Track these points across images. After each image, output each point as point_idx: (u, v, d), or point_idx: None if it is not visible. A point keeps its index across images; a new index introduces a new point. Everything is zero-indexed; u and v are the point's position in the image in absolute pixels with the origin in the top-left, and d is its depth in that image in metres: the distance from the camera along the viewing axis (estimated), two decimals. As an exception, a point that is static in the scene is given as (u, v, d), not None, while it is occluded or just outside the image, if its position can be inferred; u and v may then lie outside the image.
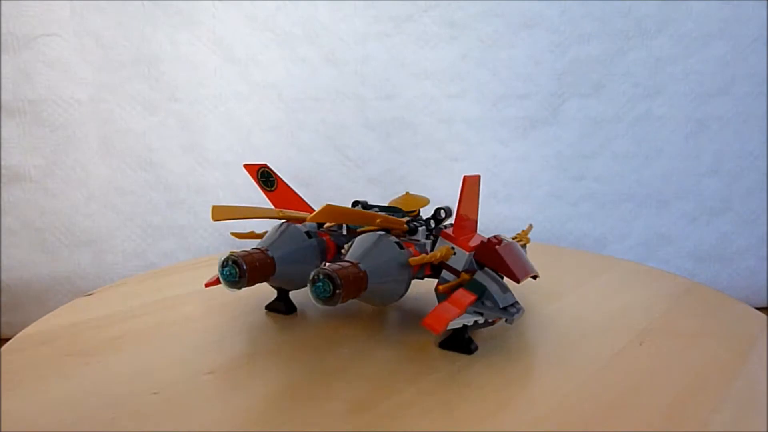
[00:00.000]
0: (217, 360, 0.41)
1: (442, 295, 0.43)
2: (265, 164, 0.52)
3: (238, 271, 0.42)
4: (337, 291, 0.37)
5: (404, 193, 0.52)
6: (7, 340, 0.47)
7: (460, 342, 0.42)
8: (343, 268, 0.38)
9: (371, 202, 0.52)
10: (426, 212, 0.51)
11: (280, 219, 0.50)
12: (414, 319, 0.51)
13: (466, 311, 0.40)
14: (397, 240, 0.43)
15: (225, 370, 0.40)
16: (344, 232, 0.49)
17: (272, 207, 0.54)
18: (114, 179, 0.91)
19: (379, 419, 0.34)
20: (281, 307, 0.50)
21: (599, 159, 0.96)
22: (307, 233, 0.47)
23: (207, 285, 0.48)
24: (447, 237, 0.44)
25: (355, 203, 0.51)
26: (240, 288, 0.42)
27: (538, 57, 0.93)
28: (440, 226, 0.47)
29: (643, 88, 0.94)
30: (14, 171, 0.88)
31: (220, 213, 0.47)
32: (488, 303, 0.41)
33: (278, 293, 0.51)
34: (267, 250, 0.45)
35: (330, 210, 0.40)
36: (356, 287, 0.38)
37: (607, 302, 0.56)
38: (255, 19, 0.90)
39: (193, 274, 0.64)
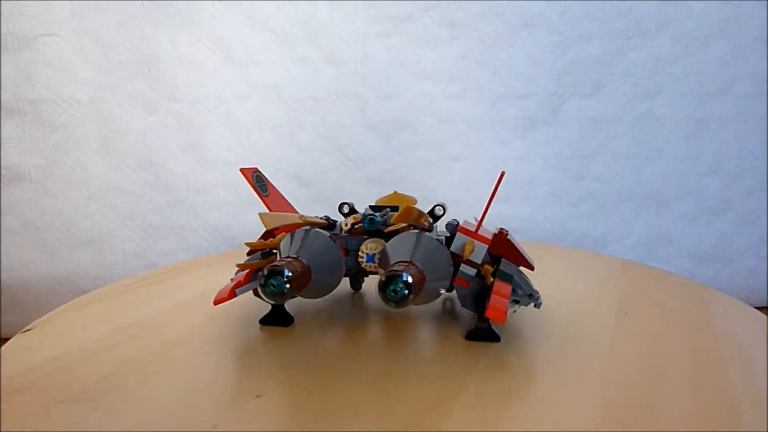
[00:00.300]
0: (253, 380, 0.38)
1: (461, 289, 0.45)
2: (256, 168, 0.51)
3: (283, 281, 0.39)
4: (411, 292, 0.37)
5: (392, 192, 0.52)
6: (7, 339, 0.47)
7: (486, 332, 0.44)
8: (407, 267, 0.38)
9: (371, 203, 0.52)
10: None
11: (308, 224, 0.48)
12: (414, 316, 0.51)
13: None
14: (437, 237, 0.44)
15: (272, 389, 0.37)
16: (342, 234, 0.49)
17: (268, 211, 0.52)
18: (114, 179, 0.91)
19: (469, 413, 0.34)
20: (280, 319, 0.48)
21: (599, 159, 0.96)
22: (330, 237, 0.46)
23: (216, 302, 0.44)
24: (465, 232, 0.45)
25: (342, 205, 0.51)
26: (285, 300, 0.40)
27: (538, 57, 0.93)
28: (453, 222, 0.48)
29: (643, 88, 0.94)
30: (14, 171, 0.88)
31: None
32: (519, 291, 0.45)
33: (273, 304, 0.48)
34: (299, 257, 0.43)
35: (409, 210, 0.42)
36: (421, 287, 0.39)
37: (566, 286, 0.60)
38: (255, 19, 0.90)
39: (146, 291, 0.60)
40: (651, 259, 0.97)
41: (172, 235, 0.93)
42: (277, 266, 0.39)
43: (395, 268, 0.38)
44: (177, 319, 0.51)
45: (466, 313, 0.52)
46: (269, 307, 0.49)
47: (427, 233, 0.44)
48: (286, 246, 0.44)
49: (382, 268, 0.44)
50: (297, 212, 0.53)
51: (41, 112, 0.87)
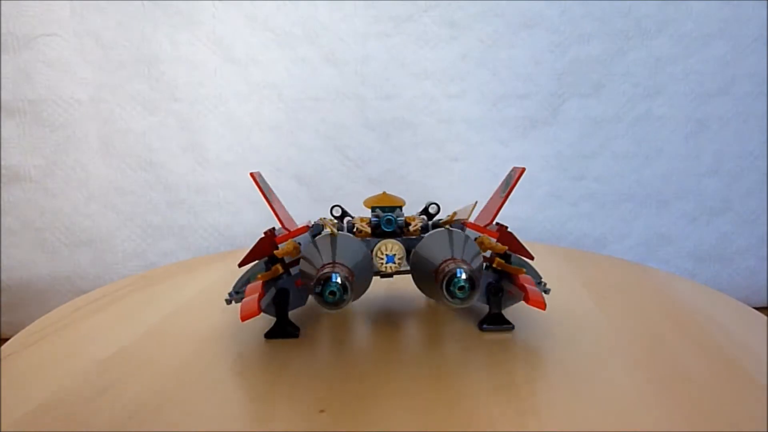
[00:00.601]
0: (305, 396, 0.37)
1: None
2: (259, 172, 0.50)
3: (342, 288, 0.38)
4: (475, 287, 0.39)
5: (381, 192, 0.52)
6: (7, 339, 0.47)
7: (500, 320, 0.47)
8: (461, 263, 0.40)
9: (372, 203, 0.51)
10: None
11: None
12: (407, 313, 0.51)
13: None
14: (467, 233, 0.45)
15: (332, 402, 0.36)
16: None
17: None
18: (114, 179, 0.91)
19: (537, 398, 0.36)
20: (287, 331, 0.46)
21: (599, 159, 0.96)
22: None
23: (244, 318, 0.41)
24: (475, 227, 0.47)
25: (334, 207, 0.51)
26: (342, 308, 0.39)
27: (538, 57, 0.93)
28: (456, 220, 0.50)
29: (643, 88, 0.94)
30: (14, 171, 0.88)
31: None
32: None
33: (279, 316, 0.46)
34: (339, 262, 0.41)
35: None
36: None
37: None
38: (255, 19, 0.90)
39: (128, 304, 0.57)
40: (651, 259, 0.97)
41: (172, 235, 0.93)
42: (328, 273, 0.39)
43: (450, 266, 0.39)
44: (183, 331, 0.49)
45: (449, 308, 0.53)
46: (259, 316, 0.46)
47: (458, 230, 0.44)
48: (313, 253, 0.42)
49: (417, 268, 0.43)
50: (291, 217, 0.53)
51: (41, 112, 0.87)
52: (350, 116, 0.93)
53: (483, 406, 0.35)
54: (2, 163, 0.87)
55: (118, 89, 0.89)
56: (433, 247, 0.43)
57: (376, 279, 0.46)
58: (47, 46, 0.86)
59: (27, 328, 0.49)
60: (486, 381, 0.38)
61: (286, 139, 0.93)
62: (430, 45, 0.93)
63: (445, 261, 0.41)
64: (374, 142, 0.94)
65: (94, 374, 0.41)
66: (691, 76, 0.94)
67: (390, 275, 0.46)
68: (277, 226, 0.49)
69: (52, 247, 0.90)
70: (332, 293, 0.38)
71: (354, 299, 0.44)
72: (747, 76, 0.94)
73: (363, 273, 0.43)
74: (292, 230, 0.47)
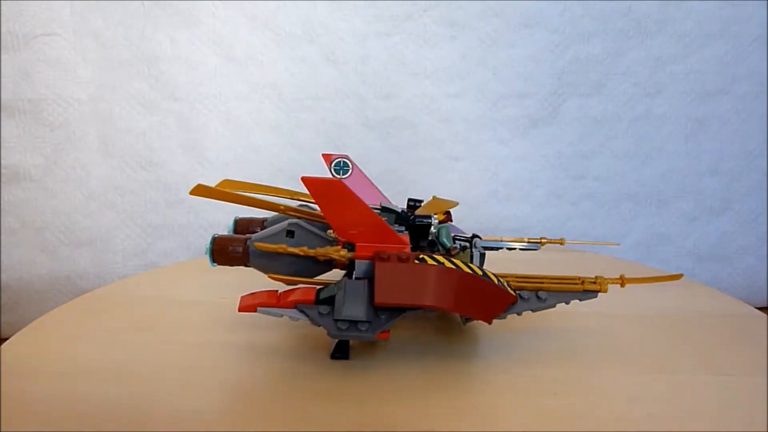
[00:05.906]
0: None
1: None
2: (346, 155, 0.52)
3: None
4: None
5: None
6: (7, 339, 0.47)
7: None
8: None
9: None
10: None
11: None
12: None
13: None
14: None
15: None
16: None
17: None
18: (114, 179, 0.91)
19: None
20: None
21: (599, 158, 0.96)
22: None
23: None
24: None
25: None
26: None
27: (538, 56, 0.93)
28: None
29: (643, 87, 0.94)
30: (14, 171, 0.88)
31: None
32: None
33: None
34: None
35: None
36: None
37: None
38: (255, 19, 0.90)
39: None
40: (651, 259, 0.97)
41: (173, 235, 0.93)
42: None
43: None
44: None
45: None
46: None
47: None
48: None
49: None
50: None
51: (41, 112, 0.87)
52: (350, 116, 0.93)
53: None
54: (2, 162, 0.87)
55: (118, 88, 0.89)
56: None
57: None
58: (47, 46, 0.86)
59: (27, 327, 0.49)
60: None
61: (286, 139, 0.93)
62: (430, 44, 0.93)
63: None
64: (374, 141, 0.94)
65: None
66: (691, 76, 0.94)
67: None
68: None
69: (52, 246, 0.90)
70: None
71: None
72: (747, 76, 0.94)
73: None
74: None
